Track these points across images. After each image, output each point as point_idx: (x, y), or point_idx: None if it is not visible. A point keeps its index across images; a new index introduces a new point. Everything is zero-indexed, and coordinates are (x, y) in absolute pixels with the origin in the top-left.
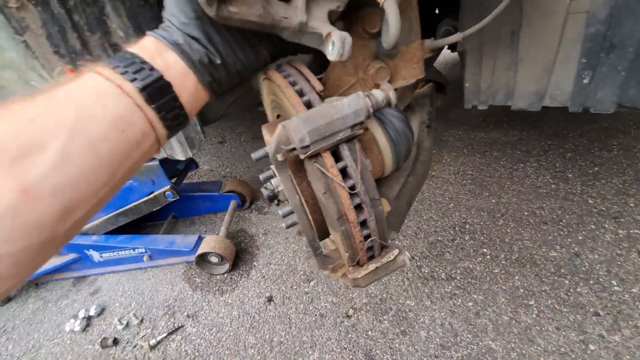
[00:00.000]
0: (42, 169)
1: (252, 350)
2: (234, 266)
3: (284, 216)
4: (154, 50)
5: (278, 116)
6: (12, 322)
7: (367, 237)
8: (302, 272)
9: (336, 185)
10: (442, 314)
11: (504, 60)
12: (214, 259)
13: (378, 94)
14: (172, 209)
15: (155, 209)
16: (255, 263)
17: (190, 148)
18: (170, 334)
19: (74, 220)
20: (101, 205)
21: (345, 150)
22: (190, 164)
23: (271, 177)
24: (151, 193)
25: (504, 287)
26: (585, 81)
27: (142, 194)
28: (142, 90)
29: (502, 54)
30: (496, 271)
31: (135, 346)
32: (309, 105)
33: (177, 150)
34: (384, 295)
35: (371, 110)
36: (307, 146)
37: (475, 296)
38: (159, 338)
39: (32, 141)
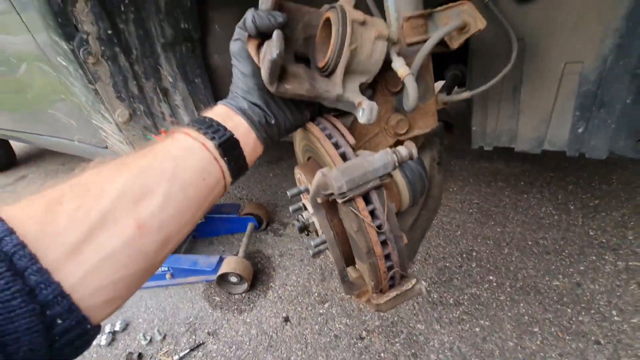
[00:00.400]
0: (151, 209)
1: None
2: (252, 286)
3: (316, 246)
4: (225, 114)
5: (309, 158)
6: None
7: (389, 268)
8: (316, 294)
9: (367, 225)
10: (451, 338)
11: (507, 110)
12: (233, 279)
13: (403, 151)
14: None
15: None
16: (271, 284)
17: None
18: (192, 350)
19: (169, 249)
20: (184, 238)
21: (374, 196)
22: None
23: (300, 209)
24: None
25: (509, 314)
26: (580, 130)
27: None
28: (219, 146)
29: (505, 105)
30: (502, 298)
31: None
32: (344, 156)
33: None
34: (395, 318)
35: (397, 165)
36: (344, 193)
37: (482, 322)
38: (181, 354)
39: (145, 187)
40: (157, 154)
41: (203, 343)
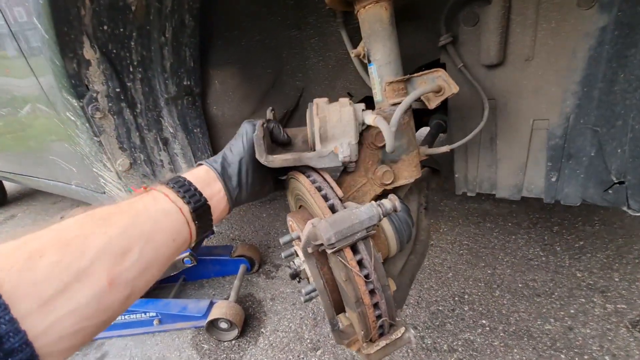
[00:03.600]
0: (125, 266)
1: None
2: (242, 332)
3: (307, 294)
4: (206, 179)
5: (300, 206)
6: None
7: (378, 317)
8: (309, 341)
9: (354, 275)
10: None
11: (486, 159)
12: (223, 325)
13: (387, 204)
14: (183, 271)
15: (171, 275)
16: (262, 330)
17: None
18: None
19: (131, 303)
20: (145, 290)
21: (362, 246)
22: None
23: (292, 255)
24: None
25: None
26: (553, 179)
27: None
28: (193, 211)
29: (484, 155)
30: (496, 344)
31: None
32: (332, 208)
33: None
34: None
35: (382, 216)
36: (333, 244)
37: None
38: None
39: (124, 247)
40: (139, 214)
41: None
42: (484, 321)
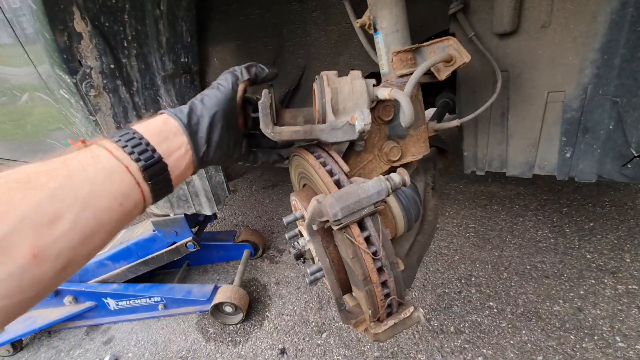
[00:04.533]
0: (54, 236)
1: None
2: (247, 316)
3: (312, 274)
4: (163, 130)
5: (304, 185)
6: None
7: (387, 295)
8: (314, 324)
9: (362, 252)
10: None
11: (496, 135)
12: (228, 309)
13: (396, 178)
14: (187, 257)
15: (175, 259)
16: (267, 313)
17: (217, 204)
18: None
19: (68, 275)
20: (89, 260)
21: (369, 222)
22: (211, 215)
23: (297, 236)
24: (173, 243)
25: (512, 342)
26: (567, 155)
27: (164, 244)
28: (144, 170)
29: (494, 131)
30: (503, 325)
31: None
32: (338, 184)
33: (205, 206)
34: (395, 348)
35: (390, 191)
36: (339, 220)
37: (485, 350)
38: None
39: (52, 214)
40: (72, 175)
41: None
42: (491, 303)
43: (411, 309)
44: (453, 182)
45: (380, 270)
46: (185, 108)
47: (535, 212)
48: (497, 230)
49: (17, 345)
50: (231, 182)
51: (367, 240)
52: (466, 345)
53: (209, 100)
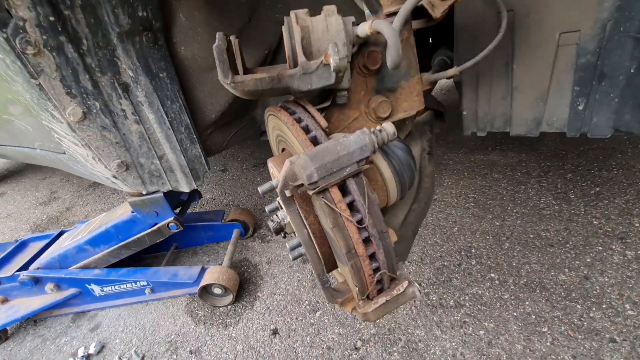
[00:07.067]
0: None
1: None
2: (238, 297)
3: (292, 249)
4: None
5: (283, 149)
6: None
7: (376, 270)
8: (307, 302)
9: (344, 220)
10: (453, 343)
11: (500, 89)
12: (217, 291)
13: (386, 129)
14: (174, 239)
15: (158, 241)
16: (259, 294)
17: (195, 180)
18: None
19: None
20: None
21: (352, 185)
22: (194, 194)
23: (277, 209)
24: (155, 225)
25: (515, 314)
26: (580, 107)
27: (146, 226)
28: None
29: (498, 84)
30: (506, 297)
31: None
32: (315, 141)
33: (182, 182)
34: (392, 325)
35: (377, 146)
36: (315, 182)
37: (486, 324)
38: None
39: None
40: None
41: None
42: (492, 275)
43: (405, 284)
44: (451, 152)
45: (366, 241)
46: None
47: (538, 179)
48: (498, 200)
49: (1, 335)
50: (214, 157)
51: (351, 206)
52: (467, 319)
53: None
